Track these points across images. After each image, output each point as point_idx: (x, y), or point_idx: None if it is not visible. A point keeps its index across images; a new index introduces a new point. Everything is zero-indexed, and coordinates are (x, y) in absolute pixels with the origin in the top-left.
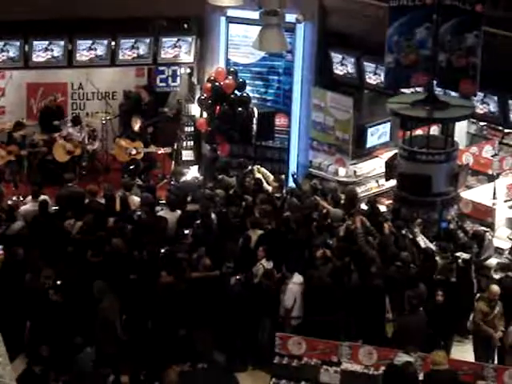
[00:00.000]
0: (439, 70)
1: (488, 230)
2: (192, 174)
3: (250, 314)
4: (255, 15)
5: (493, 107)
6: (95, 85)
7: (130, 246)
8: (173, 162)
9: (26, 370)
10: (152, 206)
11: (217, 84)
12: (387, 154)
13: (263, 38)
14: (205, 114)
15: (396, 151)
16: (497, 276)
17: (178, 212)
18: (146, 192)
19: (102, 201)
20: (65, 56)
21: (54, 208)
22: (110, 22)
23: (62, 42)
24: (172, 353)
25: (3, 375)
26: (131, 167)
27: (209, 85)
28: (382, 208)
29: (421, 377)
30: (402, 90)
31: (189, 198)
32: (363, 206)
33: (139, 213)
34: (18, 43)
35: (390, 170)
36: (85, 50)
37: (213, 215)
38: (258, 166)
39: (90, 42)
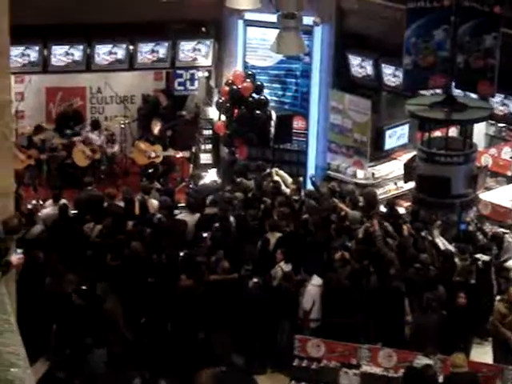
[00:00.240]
0: (457, 72)
1: (507, 231)
2: (210, 177)
3: (269, 317)
4: (273, 18)
5: None
6: (114, 89)
7: (149, 250)
8: (191, 166)
9: (47, 373)
10: (171, 210)
11: (234, 87)
12: (406, 156)
13: (281, 40)
14: (223, 118)
15: (415, 153)
16: None
17: (198, 215)
18: (165, 195)
19: (121, 204)
20: (84, 60)
21: (73, 212)
22: (128, 26)
23: (82, 47)
24: (191, 356)
25: (23, 379)
26: (150, 171)
27: (227, 88)
28: (401, 210)
29: (440, 379)
30: (421, 92)
31: (207, 201)
32: (382, 208)
33: (159, 216)
34: (37, 47)
35: (409, 171)
36: (105, 54)
37: (231, 218)
38: (277, 169)
39: (111, 46)
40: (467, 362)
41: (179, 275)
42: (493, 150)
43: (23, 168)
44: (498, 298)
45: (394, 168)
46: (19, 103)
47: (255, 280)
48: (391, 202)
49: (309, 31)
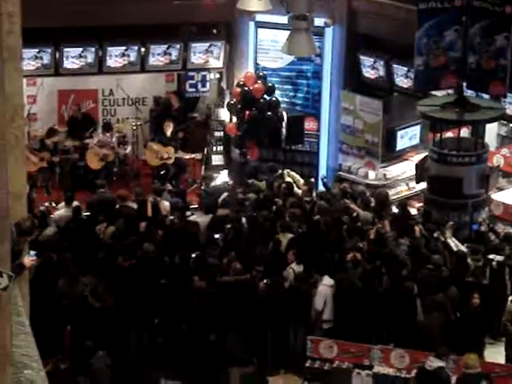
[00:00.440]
0: (469, 72)
1: None
2: (222, 178)
3: (281, 318)
4: (284, 20)
5: None
6: (125, 91)
7: (162, 251)
8: (203, 167)
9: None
10: (183, 211)
11: (246, 89)
12: (417, 157)
13: (292, 42)
14: (234, 119)
15: (426, 154)
16: None
17: (210, 216)
18: (177, 197)
19: (133, 205)
20: (96, 62)
21: (86, 214)
22: (140, 29)
23: (94, 49)
24: (204, 357)
25: (37, 380)
26: (162, 172)
27: (238, 89)
28: (413, 211)
29: (453, 380)
30: (433, 93)
31: (219, 203)
32: (394, 209)
33: (171, 218)
34: (49, 50)
35: (421, 172)
36: (117, 57)
37: (243, 219)
38: (288, 170)
39: (123, 48)
40: (480, 363)
41: (192, 277)
42: (505, 150)
43: (36, 170)
44: (510, 298)
45: (405, 169)
46: (31, 106)
47: (264, 281)
48: (403, 203)
49: (320, 32)
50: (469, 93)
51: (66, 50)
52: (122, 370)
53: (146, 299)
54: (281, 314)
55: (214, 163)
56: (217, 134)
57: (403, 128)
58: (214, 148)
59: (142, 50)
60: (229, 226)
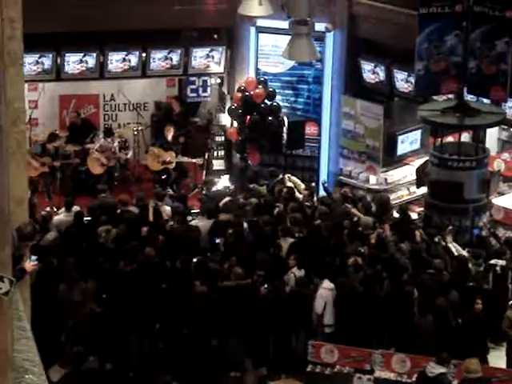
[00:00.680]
0: (469, 77)
1: None
2: (223, 183)
3: (283, 323)
4: (285, 25)
5: None
6: (127, 96)
7: (163, 256)
8: (204, 172)
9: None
10: (184, 216)
11: (247, 93)
12: (418, 162)
13: (293, 47)
14: (235, 124)
15: (427, 158)
16: None
17: (211, 221)
18: (178, 202)
19: (133, 210)
20: (97, 67)
21: (87, 219)
22: (141, 34)
23: (95, 54)
24: (205, 362)
25: None
26: (163, 177)
27: (239, 94)
28: (414, 215)
29: None
30: (433, 97)
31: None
32: (395, 214)
33: (172, 222)
34: (51, 55)
35: (421, 177)
36: (118, 62)
37: (244, 224)
38: (289, 175)
39: (124, 53)
40: (483, 367)
41: (193, 281)
42: (505, 155)
43: (37, 175)
44: (510, 302)
45: (406, 173)
46: (33, 111)
47: (265, 286)
48: (404, 208)
49: (321, 37)
50: (468, 97)
51: (67, 55)
52: (123, 375)
53: (148, 304)
54: (282, 318)
55: (214, 168)
56: (218, 138)
57: (404, 133)
58: (215, 153)
59: (143, 55)
60: (230, 230)
